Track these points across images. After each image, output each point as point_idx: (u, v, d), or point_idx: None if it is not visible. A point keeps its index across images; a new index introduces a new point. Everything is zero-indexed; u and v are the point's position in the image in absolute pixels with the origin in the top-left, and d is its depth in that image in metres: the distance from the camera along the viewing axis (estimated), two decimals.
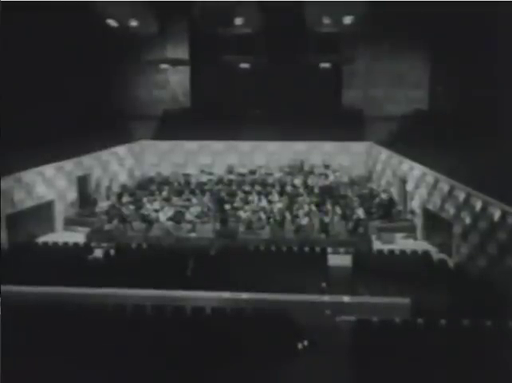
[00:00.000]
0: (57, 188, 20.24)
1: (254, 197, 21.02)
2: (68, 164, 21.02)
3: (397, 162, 21.59)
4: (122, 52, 26.32)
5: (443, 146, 18.00)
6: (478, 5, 17.17)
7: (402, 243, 17.89)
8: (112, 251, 15.64)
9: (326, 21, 20.88)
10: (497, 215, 13.83)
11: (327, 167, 25.05)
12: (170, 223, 18.79)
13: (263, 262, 14.40)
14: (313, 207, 19.64)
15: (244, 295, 11.91)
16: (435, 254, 16.37)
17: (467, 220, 15.50)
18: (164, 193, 22.07)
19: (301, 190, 22.19)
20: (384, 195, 21.40)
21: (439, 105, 24.96)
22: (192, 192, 22.17)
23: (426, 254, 15.35)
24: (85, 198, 21.93)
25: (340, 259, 15.55)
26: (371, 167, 24.93)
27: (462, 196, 15.85)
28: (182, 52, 27.50)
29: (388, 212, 19.91)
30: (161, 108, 28.02)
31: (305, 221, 18.40)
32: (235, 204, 20.29)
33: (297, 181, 23.32)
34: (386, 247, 16.19)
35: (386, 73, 26.33)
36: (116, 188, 23.54)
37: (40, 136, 18.98)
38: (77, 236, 18.27)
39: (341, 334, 10.18)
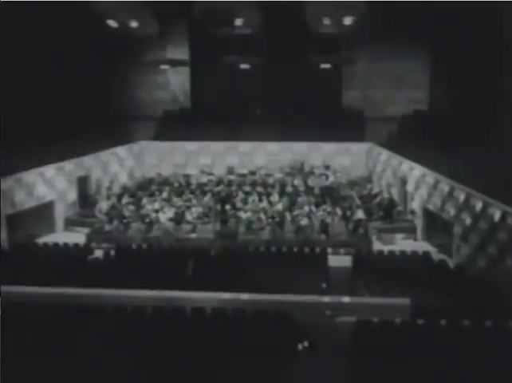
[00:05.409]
0: (57, 189, 20.24)
1: (254, 198, 21.01)
2: (69, 165, 21.03)
3: (397, 163, 21.59)
4: (122, 52, 26.34)
5: (443, 146, 17.99)
6: (478, 5, 17.18)
7: (402, 244, 17.89)
8: (113, 252, 15.62)
9: (326, 21, 20.91)
10: (497, 215, 13.83)
11: (327, 167, 25.07)
12: (170, 224, 18.80)
13: (263, 263, 14.39)
14: (313, 208, 19.64)
15: (244, 296, 11.89)
16: (436, 254, 16.33)
17: (468, 221, 15.50)
18: (164, 194, 22.07)
19: (301, 190, 22.17)
20: (384, 196, 21.39)
21: (438, 106, 24.97)
22: (192, 193, 22.17)
23: (426, 254, 15.31)
24: (85, 198, 21.94)
25: (340, 260, 15.50)
26: (371, 168, 24.93)
27: (462, 197, 15.85)
28: (182, 52, 27.57)
29: (389, 213, 19.89)
30: (161, 108, 28.05)
31: (305, 222, 18.39)
32: (235, 205, 20.28)
33: (298, 182, 23.32)
34: (386, 248, 16.18)
35: (386, 74, 26.35)
36: (116, 189, 23.52)
37: (40, 137, 19.00)
38: (78, 237, 18.26)
39: (341, 335, 10.16)
